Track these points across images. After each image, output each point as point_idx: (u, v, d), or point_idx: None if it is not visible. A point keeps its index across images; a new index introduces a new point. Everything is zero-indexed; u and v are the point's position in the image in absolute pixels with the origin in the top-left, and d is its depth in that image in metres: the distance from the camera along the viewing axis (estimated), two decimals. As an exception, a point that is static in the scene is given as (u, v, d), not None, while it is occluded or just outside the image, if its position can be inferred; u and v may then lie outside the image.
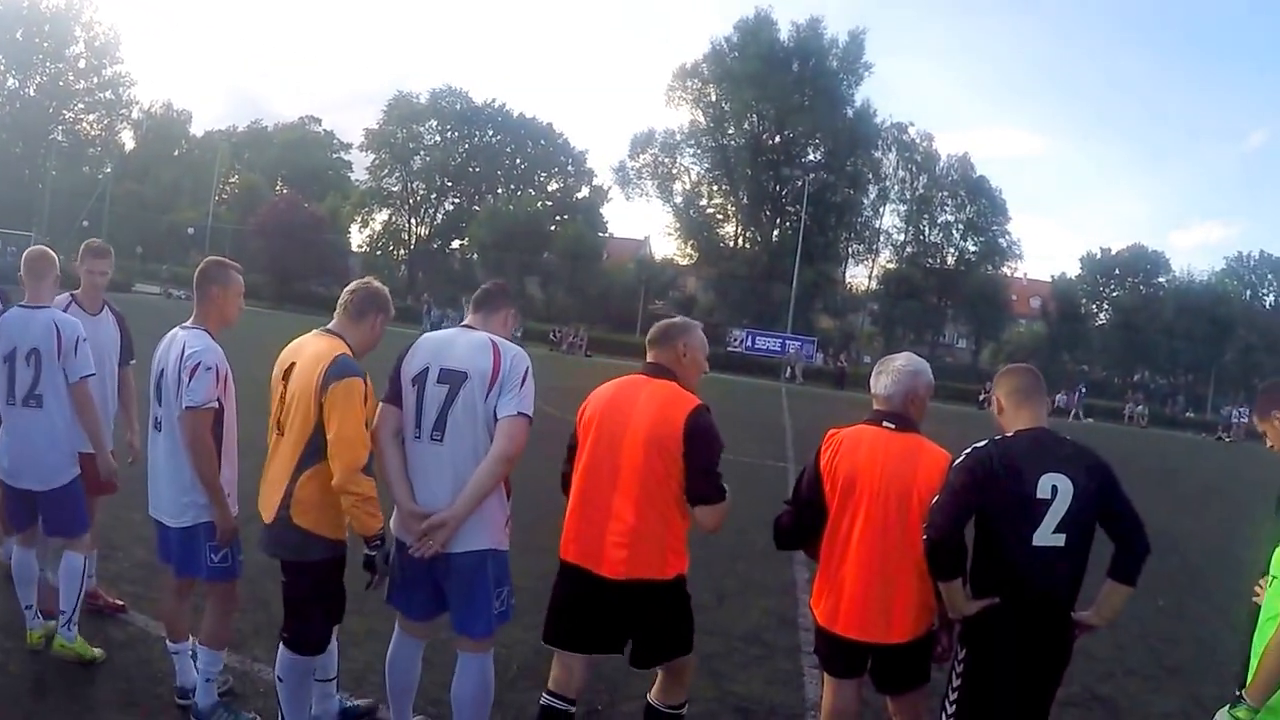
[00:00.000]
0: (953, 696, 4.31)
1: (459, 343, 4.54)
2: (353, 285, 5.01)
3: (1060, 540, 4.06)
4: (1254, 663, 3.78)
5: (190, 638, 5.23)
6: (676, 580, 4.55)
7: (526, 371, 4.43)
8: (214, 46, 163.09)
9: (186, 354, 4.95)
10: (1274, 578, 3.79)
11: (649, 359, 4.76)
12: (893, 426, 4.52)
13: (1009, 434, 4.30)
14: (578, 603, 4.57)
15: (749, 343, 65.19)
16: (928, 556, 4.14)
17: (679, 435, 4.42)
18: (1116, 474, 4.25)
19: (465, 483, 4.34)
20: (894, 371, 4.63)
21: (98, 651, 5.64)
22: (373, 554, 4.47)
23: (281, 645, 4.74)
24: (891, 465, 4.42)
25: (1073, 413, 55.73)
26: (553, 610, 4.68)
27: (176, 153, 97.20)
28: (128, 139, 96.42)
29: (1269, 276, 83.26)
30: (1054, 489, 4.06)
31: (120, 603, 6.34)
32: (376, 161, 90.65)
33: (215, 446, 4.97)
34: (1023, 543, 4.07)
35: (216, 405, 4.98)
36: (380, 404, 4.66)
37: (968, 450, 4.21)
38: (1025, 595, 4.12)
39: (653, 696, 4.78)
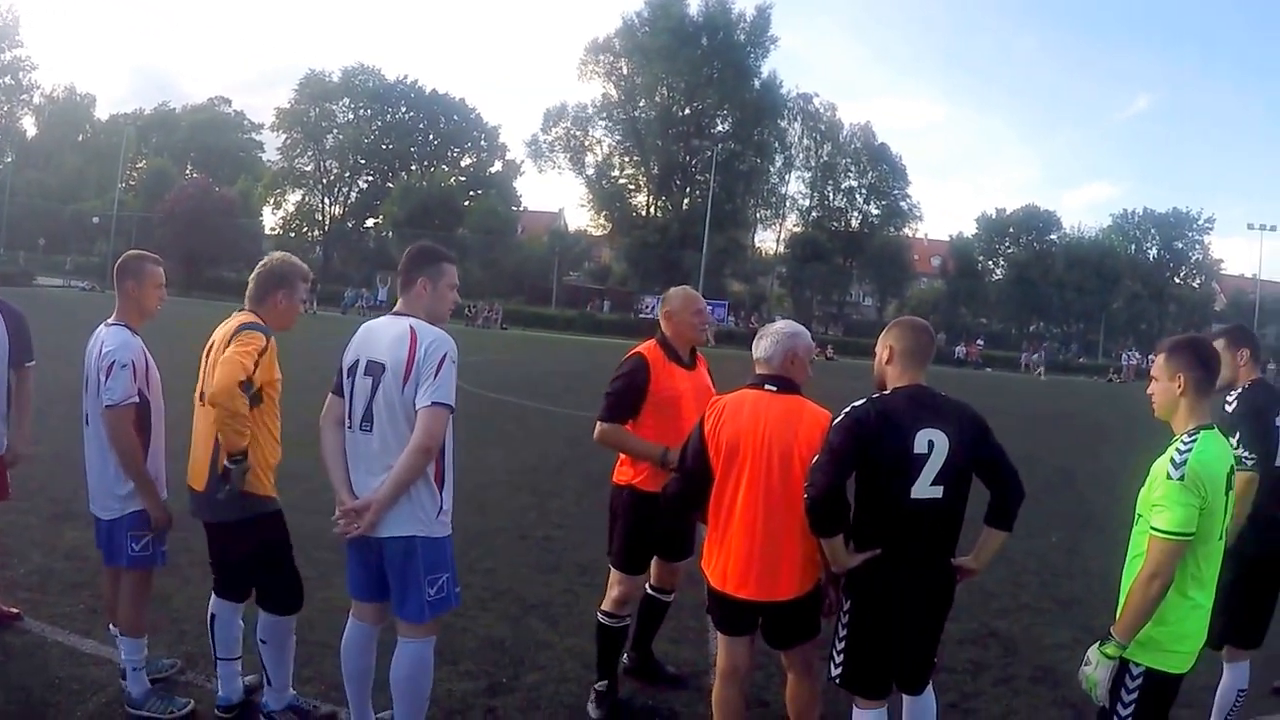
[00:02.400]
0: (840, 646, 4.34)
1: (385, 333, 4.43)
2: (255, 270, 5.03)
3: (938, 492, 4.10)
4: (1122, 599, 3.82)
5: (144, 632, 5.09)
6: (625, 487, 5.49)
7: (444, 359, 4.28)
8: (119, 27, 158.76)
9: (103, 353, 4.91)
10: (1140, 516, 3.83)
11: None
12: (774, 389, 4.51)
13: (887, 392, 4.30)
14: None
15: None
16: (809, 514, 4.12)
17: None
18: (989, 426, 4.29)
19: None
20: (773, 335, 4.62)
21: None
22: (231, 467, 4.57)
23: (260, 610, 4.81)
24: (774, 427, 4.41)
25: (1037, 371, 58.40)
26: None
27: (80, 138, 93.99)
28: (29, 125, 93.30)
29: (1152, 231, 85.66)
30: (930, 443, 4.09)
31: (15, 610, 6.04)
32: (288, 141, 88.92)
33: (141, 440, 4.94)
34: (902, 496, 4.09)
35: (136, 400, 4.91)
36: (329, 394, 4.61)
37: (846, 410, 4.21)
38: (906, 546, 4.15)
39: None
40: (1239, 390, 5.26)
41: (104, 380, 4.85)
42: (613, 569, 5.53)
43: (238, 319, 4.80)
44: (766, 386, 4.51)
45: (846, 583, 4.30)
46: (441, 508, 4.42)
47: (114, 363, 4.85)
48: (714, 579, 4.53)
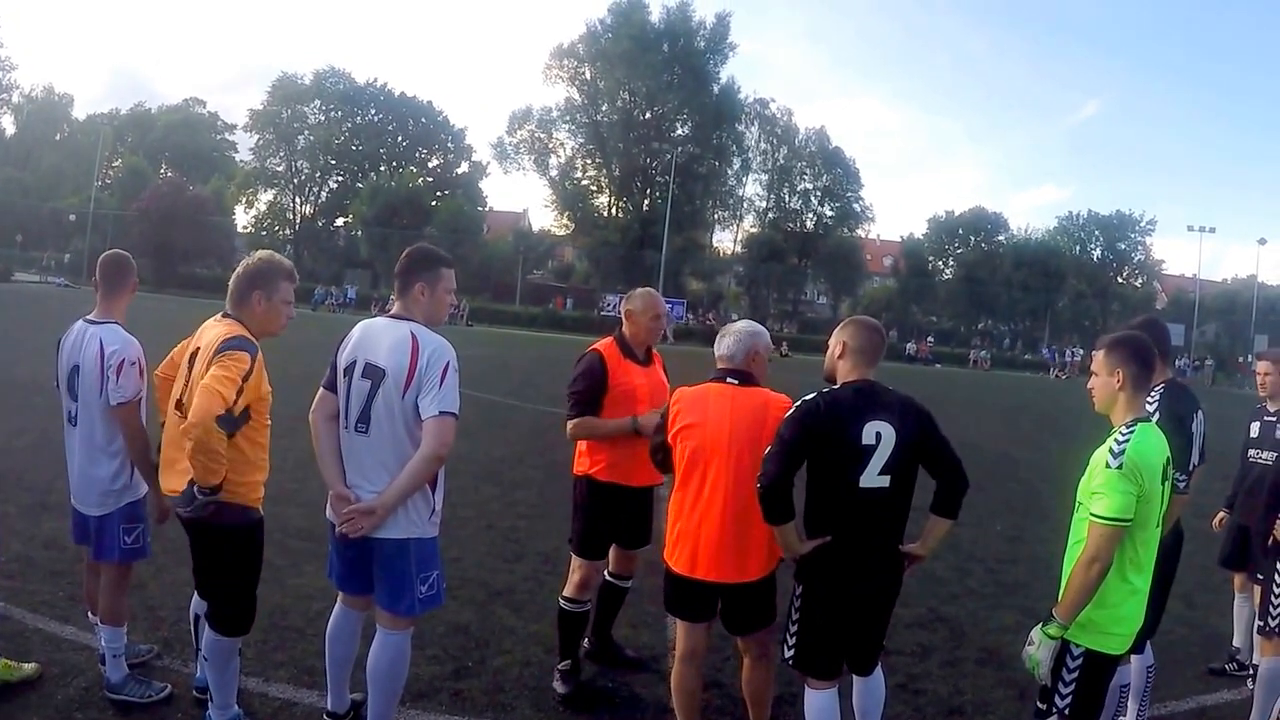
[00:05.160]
0: (792, 629, 4.39)
1: (385, 337, 4.32)
2: (236, 270, 4.68)
3: (885, 482, 4.15)
4: (1064, 583, 3.88)
5: (124, 621, 5.02)
6: (583, 478, 5.56)
7: (447, 367, 4.20)
8: (97, 28, 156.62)
9: (108, 352, 4.80)
10: (1079, 504, 3.89)
11: None
12: (736, 382, 4.55)
13: (837, 386, 4.34)
14: None
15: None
16: (761, 502, 4.15)
17: None
18: (935, 419, 4.34)
19: (389, 471, 4.23)
20: (735, 333, 4.68)
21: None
22: (201, 499, 4.21)
23: (206, 626, 4.57)
24: (740, 417, 4.45)
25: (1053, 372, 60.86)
26: None
27: (58, 137, 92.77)
28: (8, 124, 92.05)
29: (1095, 232, 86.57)
30: (878, 435, 4.14)
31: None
32: (261, 142, 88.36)
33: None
34: (851, 485, 4.14)
35: (143, 396, 4.88)
36: (320, 389, 4.50)
37: (798, 403, 4.25)
38: (854, 534, 4.20)
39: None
40: (1155, 397, 5.05)
41: (114, 379, 4.76)
42: (573, 555, 5.57)
43: (220, 328, 4.45)
44: (729, 380, 4.55)
45: (798, 568, 4.34)
46: (434, 509, 4.41)
47: (123, 360, 4.78)
48: (681, 565, 4.53)
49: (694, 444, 4.47)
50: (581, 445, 5.58)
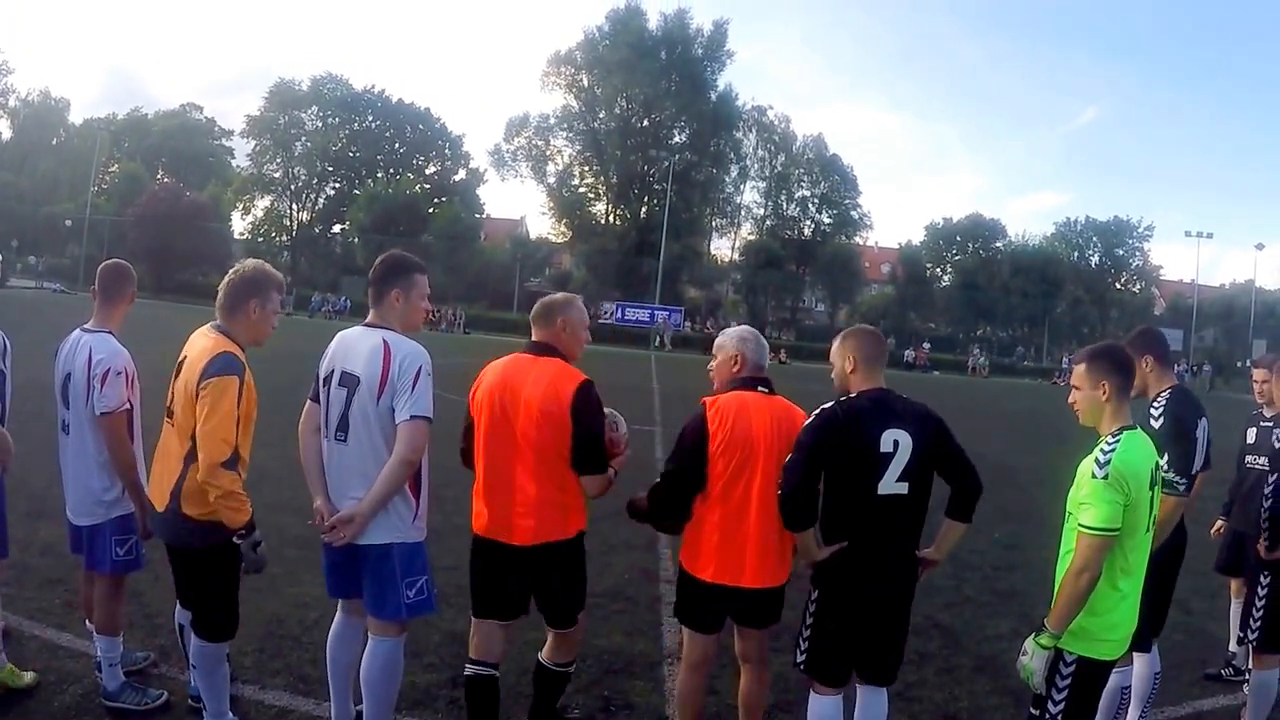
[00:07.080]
0: (805, 634, 4.44)
1: (359, 345, 4.38)
2: (226, 278, 4.67)
3: (903, 488, 4.24)
4: (1055, 592, 3.91)
5: (120, 630, 5.06)
6: (578, 536, 4.71)
7: (419, 372, 4.25)
8: (93, 31, 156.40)
9: (95, 361, 4.83)
10: (1069, 514, 3.93)
11: (533, 337, 4.82)
12: (766, 391, 4.62)
13: (853, 395, 4.39)
14: (492, 573, 4.68)
15: (619, 314, 66.19)
16: (781, 510, 4.24)
17: (565, 409, 4.51)
18: (949, 426, 4.43)
19: (368, 478, 4.27)
20: (756, 339, 4.75)
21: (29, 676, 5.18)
22: (240, 543, 4.32)
23: (193, 634, 4.59)
24: (780, 425, 4.50)
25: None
26: (472, 583, 4.77)
27: (54, 141, 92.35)
28: (4, 128, 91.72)
29: (1094, 239, 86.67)
30: (895, 443, 4.22)
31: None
32: (258, 148, 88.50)
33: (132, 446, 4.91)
34: (870, 491, 4.22)
35: (129, 407, 4.89)
36: (307, 400, 4.56)
37: (817, 411, 4.32)
38: (873, 538, 4.27)
39: (543, 656, 4.92)
40: (1161, 403, 5.13)
41: (99, 388, 4.77)
42: (566, 629, 4.87)
43: (212, 341, 4.45)
44: (759, 388, 4.60)
45: (815, 574, 4.41)
46: (416, 514, 4.43)
47: (109, 370, 4.79)
48: (725, 577, 4.48)
49: (741, 456, 4.45)
50: (575, 500, 4.71)
